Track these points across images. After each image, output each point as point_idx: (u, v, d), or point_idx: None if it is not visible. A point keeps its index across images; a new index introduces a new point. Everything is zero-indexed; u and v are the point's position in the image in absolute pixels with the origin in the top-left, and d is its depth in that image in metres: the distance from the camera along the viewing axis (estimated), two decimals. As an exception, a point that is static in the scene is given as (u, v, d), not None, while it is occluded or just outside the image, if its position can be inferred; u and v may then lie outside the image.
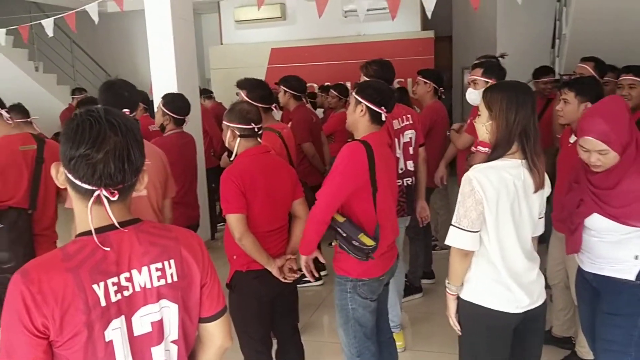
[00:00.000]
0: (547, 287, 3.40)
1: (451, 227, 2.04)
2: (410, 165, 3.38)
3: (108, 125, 1.22)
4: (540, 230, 2.17)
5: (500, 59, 4.19)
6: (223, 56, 9.76)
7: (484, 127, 2.10)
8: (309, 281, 4.57)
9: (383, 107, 2.53)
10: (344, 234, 2.44)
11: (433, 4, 4.69)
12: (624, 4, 5.27)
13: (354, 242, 2.42)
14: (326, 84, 8.51)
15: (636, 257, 2.23)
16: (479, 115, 2.13)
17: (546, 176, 2.09)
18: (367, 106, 2.52)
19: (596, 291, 2.40)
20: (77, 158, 1.20)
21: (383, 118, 2.54)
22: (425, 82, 4.24)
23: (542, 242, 2.61)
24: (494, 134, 2.05)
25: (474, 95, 3.26)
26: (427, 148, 4.05)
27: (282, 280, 2.59)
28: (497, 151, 2.05)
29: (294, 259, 2.65)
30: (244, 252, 2.52)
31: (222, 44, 9.96)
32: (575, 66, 4.65)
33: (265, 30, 9.58)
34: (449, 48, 10.28)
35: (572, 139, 2.36)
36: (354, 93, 2.58)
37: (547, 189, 2.12)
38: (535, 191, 2.04)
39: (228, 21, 9.75)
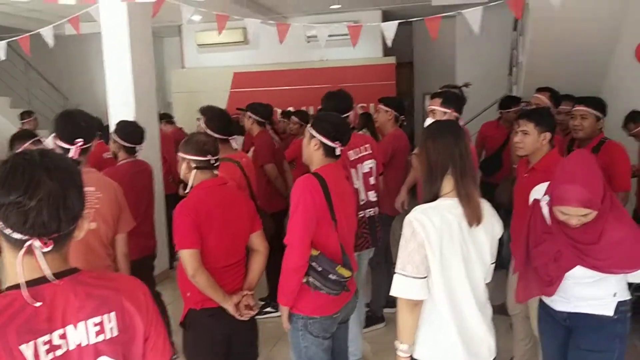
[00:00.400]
0: (507, 315, 3.43)
1: (395, 275, 1.93)
2: (372, 195, 3.35)
3: (43, 169, 1.14)
4: (488, 278, 2.07)
5: (464, 88, 4.26)
6: (185, 80, 9.66)
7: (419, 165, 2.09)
8: (270, 312, 4.49)
9: (338, 142, 2.51)
10: (320, 269, 2.36)
11: (393, 32, 4.74)
12: (577, 34, 5.44)
13: (331, 275, 2.36)
14: (289, 109, 8.52)
15: (614, 295, 2.21)
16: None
17: (497, 217, 2.02)
18: (321, 141, 2.50)
19: (567, 328, 2.35)
20: (8, 205, 1.11)
21: (338, 152, 2.52)
22: (387, 110, 4.25)
23: (502, 267, 2.60)
24: (421, 170, 2.02)
25: None
26: (390, 176, 4.05)
27: (239, 317, 2.49)
28: (426, 188, 1.96)
29: (251, 295, 2.56)
30: (198, 289, 2.43)
31: (183, 67, 9.86)
32: (531, 93, 4.76)
33: (227, 54, 9.55)
34: (410, 74, 10.45)
35: (545, 199, 2.21)
36: (308, 126, 2.56)
37: (497, 230, 2.03)
38: (470, 226, 1.91)
39: (190, 45, 9.68)
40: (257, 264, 2.62)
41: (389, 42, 4.76)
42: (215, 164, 2.59)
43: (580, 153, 2.25)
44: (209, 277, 2.40)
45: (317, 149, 2.52)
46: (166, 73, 10.43)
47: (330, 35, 7.83)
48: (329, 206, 2.39)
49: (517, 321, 3.35)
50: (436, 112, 3.26)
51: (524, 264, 2.32)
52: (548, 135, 2.94)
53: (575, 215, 2.06)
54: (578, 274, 2.17)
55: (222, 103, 9.25)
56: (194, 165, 2.52)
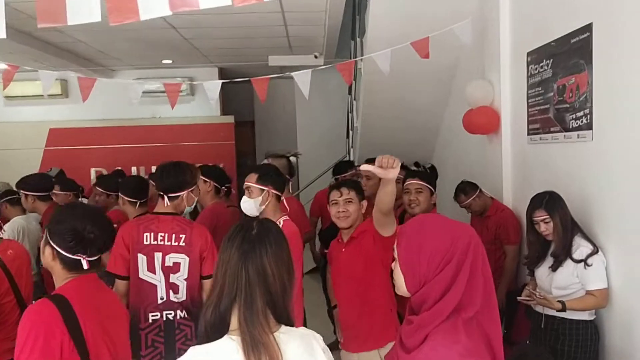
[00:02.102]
0: None
1: None
2: (174, 296, 2.66)
3: None
4: None
5: (293, 158, 3.85)
6: (-12, 136, 8.29)
7: None
8: None
9: (82, 254, 1.80)
10: None
11: (216, 93, 4.28)
12: (407, 101, 5.43)
13: None
14: (117, 168, 7.62)
15: None
16: None
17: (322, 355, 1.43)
18: (57, 251, 1.81)
19: None
20: None
21: (85, 266, 1.81)
22: (205, 181, 3.67)
23: None
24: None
25: (247, 205, 2.78)
26: None
27: None
28: (206, 319, 1.38)
29: None
30: None
31: (-13, 121, 8.49)
32: (367, 157, 4.53)
33: (42, 108, 8.39)
34: (251, 133, 10.08)
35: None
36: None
37: None
38: None
39: (-4, 96, 8.38)
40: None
41: (213, 102, 4.33)
42: None
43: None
44: None
45: (53, 260, 1.82)
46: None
47: (144, 92, 7.33)
48: (77, 345, 1.68)
49: None
50: (252, 189, 2.77)
51: None
52: (365, 203, 2.86)
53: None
54: None
55: (35, 162, 8.05)
56: None
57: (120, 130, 8.50)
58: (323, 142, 8.67)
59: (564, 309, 2.75)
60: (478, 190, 3.91)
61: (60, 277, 1.83)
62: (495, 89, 4.05)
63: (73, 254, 1.80)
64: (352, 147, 7.37)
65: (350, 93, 7.53)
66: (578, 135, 2.97)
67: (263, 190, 2.72)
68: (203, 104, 8.62)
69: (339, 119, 8.59)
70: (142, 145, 8.49)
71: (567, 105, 3.08)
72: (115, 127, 8.46)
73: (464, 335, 1.33)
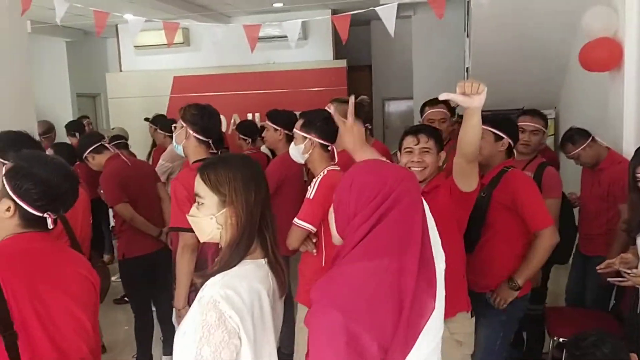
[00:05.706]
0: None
1: None
2: None
3: None
4: None
5: (363, 104, 3.48)
6: (121, 84, 8.92)
7: (213, 220, 1.47)
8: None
9: (51, 211, 1.64)
10: None
11: (296, 33, 4.11)
12: (517, 37, 4.76)
13: None
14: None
15: None
16: (201, 204, 1.49)
17: None
18: (19, 206, 1.60)
19: None
20: None
21: (50, 225, 1.63)
22: (276, 129, 3.50)
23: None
24: (235, 225, 1.46)
25: (293, 152, 2.61)
26: (279, 211, 3.22)
27: None
28: (238, 250, 1.46)
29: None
30: None
31: (121, 71, 9.12)
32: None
33: (167, 57, 8.79)
34: (368, 78, 9.71)
35: None
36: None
37: None
38: (281, 296, 1.57)
39: (127, 46, 8.93)
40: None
41: (292, 44, 4.11)
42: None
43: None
44: None
45: (9, 214, 1.61)
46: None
47: (278, 37, 7.37)
48: None
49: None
50: (296, 136, 2.63)
51: None
52: (443, 155, 2.46)
53: None
54: None
55: (162, 109, 8.51)
56: None
57: (238, 77, 8.63)
58: (440, 86, 7.98)
59: None
60: (589, 139, 3.30)
61: (6, 230, 1.60)
62: (620, 16, 3.32)
63: (41, 212, 1.60)
64: (466, 90, 6.73)
65: (465, 30, 6.85)
66: None
67: (306, 137, 2.49)
68: (316, 48, 8.45)
69: (454, 60, 7.90)
70: (258, 92, 8.58)
71: (703, 30, 2.38)
72: (232, 74, 8.62)
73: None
